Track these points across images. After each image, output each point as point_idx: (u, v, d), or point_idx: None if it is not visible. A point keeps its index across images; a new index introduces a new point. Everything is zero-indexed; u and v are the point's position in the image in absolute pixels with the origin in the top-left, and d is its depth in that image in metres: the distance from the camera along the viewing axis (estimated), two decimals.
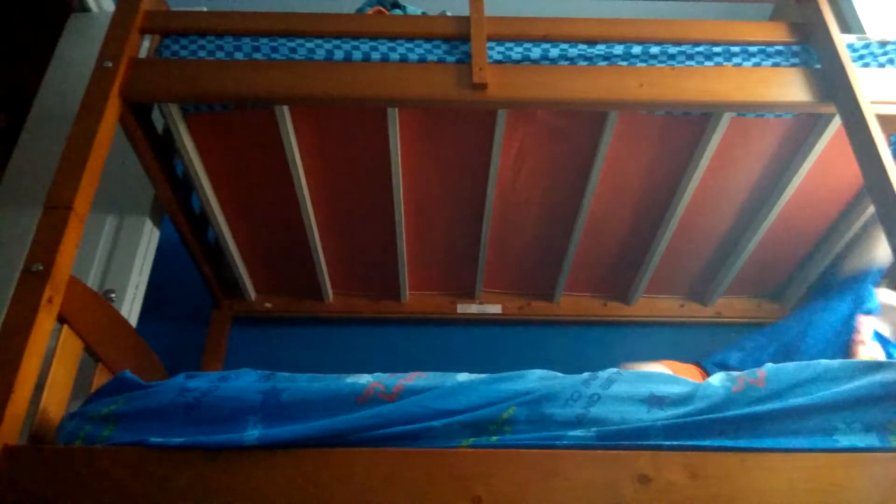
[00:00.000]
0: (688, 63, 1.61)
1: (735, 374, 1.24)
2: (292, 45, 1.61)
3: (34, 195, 1.62)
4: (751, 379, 1.20)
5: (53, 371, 1.30)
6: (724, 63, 1.62)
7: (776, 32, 1.66)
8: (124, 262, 1.86)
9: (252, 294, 2.30)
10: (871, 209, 1.88)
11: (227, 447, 1.12)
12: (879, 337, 1.79)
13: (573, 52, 1.61)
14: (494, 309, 2.32)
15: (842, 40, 1.57)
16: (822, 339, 1.81)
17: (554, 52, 1.61)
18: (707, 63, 1.62)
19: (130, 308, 1.83)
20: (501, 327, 2.34)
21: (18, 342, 1.17)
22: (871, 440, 1.10)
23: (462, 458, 1.10)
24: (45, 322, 1.23)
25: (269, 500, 1.08)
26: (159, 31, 1.64)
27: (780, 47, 1.64)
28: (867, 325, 1.77)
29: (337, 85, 1.55)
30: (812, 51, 1.63)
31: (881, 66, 1.62)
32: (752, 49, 1.63)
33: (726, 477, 1.06)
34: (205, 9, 1.78)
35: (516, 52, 1.60)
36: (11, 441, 1.12)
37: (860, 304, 1.81)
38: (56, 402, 1.30)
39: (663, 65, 1.61)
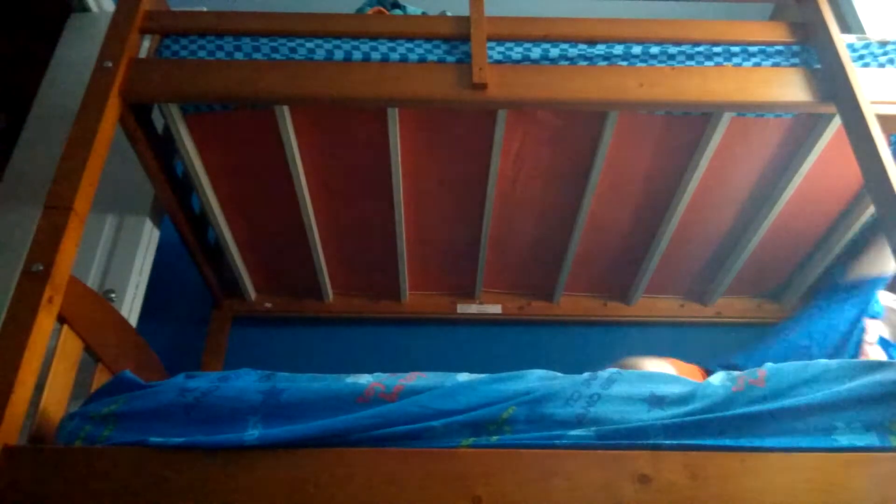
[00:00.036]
0: (688, 63, 1.61)
1: (735, 373, 1.24)
2: (292, 45, 1.61)
3: (34, 195, 1.63)
4: (751, 379, 1.20)
5: (53, 371, 1.30)
6: (724, 63, 1.62)
7: (776, 32, 1.66)
8: (124, 262, 1.86)
9: (252, 294, 2.30)
10: (871, 209, 1.88)
11: (227, 447, 1.12)
12: (883, 341, 1.79)
13: (573, 52, 1.61)
14: (494, 309, 2.32)
15: (842, 40, 1.57)
16: (827, 342, 1.81)
17: (554, 52, 1.61)
18: (707, 63, 1.62)
19: (130, 308, 1.84)
20: (501, 327, 2.34)
21: (18, 342, 1.17)
22: (871, 440, 1.10)
23: (462, 458, 1.10)
24: (45, 322, 1.23)
25: (269, 500, 1.08)
26: (159, 31, 1.64)
27: (780, 47, 1.64)
28: (874, 329, 1.78)
29: (337, 85, 1.55)
30: (812, 51, 1.63)
31: (881, 66, 1.62)
32: (752, 49, 1.63)
33: (726, 477, 1.06)
34: (205, 9, 1.78)
35: (516, 52, 1.60)
36: (11, 441, 1.12)
37: (866, 309, 1.82)
38: (56, 402, 1.30)
39: (663, 65, 1.61)
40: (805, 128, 1.71)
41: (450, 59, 1.60)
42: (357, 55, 1.59)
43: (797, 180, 1.81)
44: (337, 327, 2.33)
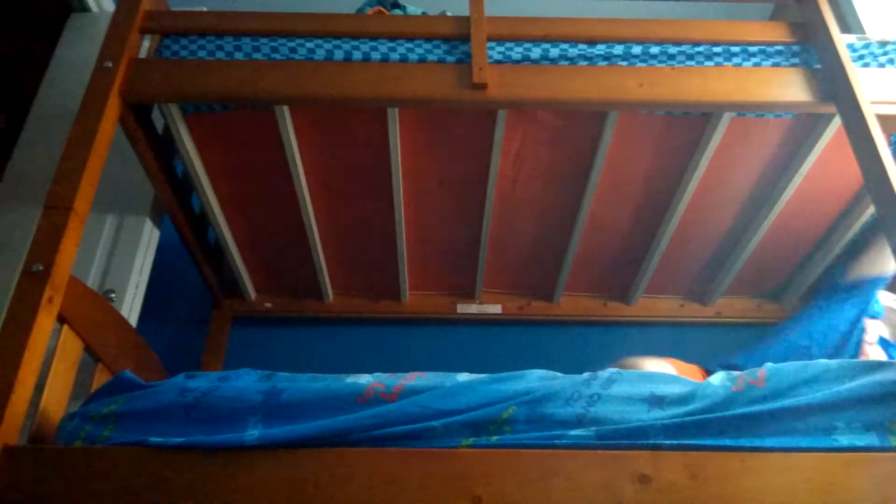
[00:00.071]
0: (688, 63, 1.61)
1: (735, 373, 1.24)
2: (292, 45, 1.61)
3: (34, 195, 1.63)
4: (751, 379, 1.20)
5: (53, 371, 1.30)
6: (724, 63, 1.62)
7: (776, 32, 1.66)
8: (124, 262, 1.86)
9: (252, 294, 2.30)
10: (871, 209, 1.88)
11: (227, 447, 1.12)
12: (883, 341, 1.80)
13: (573, 52, 1.61)
14: (494, 309, 2.32)
15: (842, 40, 1.57)
16: (827, 342, 1.81)
17: (554, 52, 1.61)
18: (707, 63, 1.62)
19: (130, 308, 1.84)
20: (501, 327, 2.34)
21: (18, 342, 1.17)
22: (871, 440, 1.10)
23: (462, 458, 1.10)
24: (45, 322, 1.23)
25: (269, 500, 1.08)
26: (159, 31, 1.64)
27: (780, 47, 1.64)
28: (874, 329, 1.79)
29: (337, 85, 1.55)
30: (812, 51, 1.63)
31: (881, 66, 1.62)
32: (752, 49, 1.63)
33: (726, 477, 1.06)
34: (205, 9, 1.78)
35: (516, 52, 1.60)
36: (11, 441, 1.12)
37: (866, 309, 1.82)
38: (56, 402, 1.30)
39: (663, 65, 1.61)
40: (805, 128, 1.71)
41: (450, 59, 1.60)
42: (357, 55, 1.59)
43: (797, 180, 1.81)
44: (337, 327, 2.33)
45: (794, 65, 1.61)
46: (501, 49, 1.60)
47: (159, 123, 1.72)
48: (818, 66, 1.60)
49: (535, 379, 1.23)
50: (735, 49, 1.63)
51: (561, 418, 1.16)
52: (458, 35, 1.62)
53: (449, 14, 1.85)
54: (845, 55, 1.54)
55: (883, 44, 1.65)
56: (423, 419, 1.15)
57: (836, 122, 1.61)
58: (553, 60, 1.60)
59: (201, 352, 2.21)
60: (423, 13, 1.96)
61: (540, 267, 2.22)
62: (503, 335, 2.33)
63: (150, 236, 1.95)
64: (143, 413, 1.20)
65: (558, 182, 1.89)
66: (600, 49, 1.62)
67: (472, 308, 2.32)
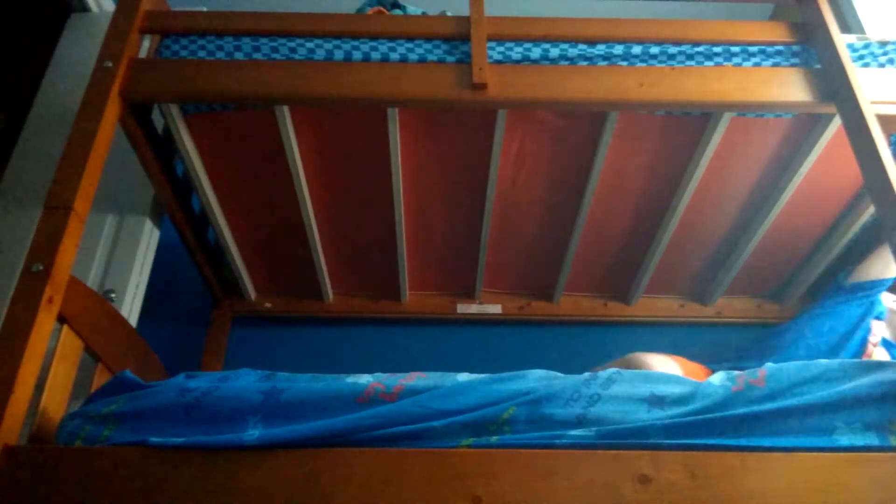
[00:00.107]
0: (688, 63, 1.61)
1: (735, 373, 1.24)
2: (292, 45, 1.61)
3: (34, 195, 1.63)
4: (751, 378, 1.20)
5: (53, 371, 1.30)
6: (724, 63, 1.62)
7: (776, 32, 1.66)
8: (124, 262, 1.86)
9: (252, 294, 2.30)
10: (871, 209, 1.88)
11: (227, 447, 1.12)
12: (885, 342, 1.80)
13: (573, 52, 1.61)
14: (494, 309, 2.32)
15: (842, 40, 1.57)
16: (826, 342, 1.81)
17: (554, 52, 1.61)
18: (707, 63, 1.62)
19: (130, 308, 1.84)
20: (501, 327, 2.34)
21: (18, 342, 1.17)
22: (871, 440, 1.10)
23: (462, 458, 1.10)
24: (45, 322, 1.23)
25: (269, 500, 1.08)
26: (159, 31, 1.64)
27: (780, 47, 1.64)
28: (878, 330, 1.79)
29: (337, 85, 1.55)
30: (812, 51, 1.63)
31: (881, 66, 1.62)
32: (752, 49, 1.63)
33: (726, 477, 1.06)
34: (205, 9, 1.78)
35: (516, 52, 1.60)
36: (11, 441, 1.12)
37: (871, 310, 1.82)
38: (56, 402, 1.30)
39: (663, 65, 1.61)
40: (805, 128, 1.71)
41: (450, 59, 1.60)
42: (357, 55, 1.59)
43: (797, 180, 1.81)
44: (337, 327, 2.33)
45: (794, 65, 1.61)
46: (501, 49, 1.60)
47: (159, 123, 1.72)
48: (818, 66, 1.60)
49: (536, 379, 1.23)
50: (735, 49, 1.63)
51: (561, 418, 1.16)
52: (458, 35, 1.62)
53: (449, 14, 1.85)
54: (845, 55, 1.54)
55: (883, 44, 1.65)
56: (423, 419, 1.15)
57: (836, 122, 1.61)
58: (553, 60, 1.60)
59: (201, 352, 2.21)
60: (423, 13, 1.96)
61: (540, 267, 2.22)
62: (503, 335, 2.33)
63: (150, 236, 1.95)
64: (143, 413, 1.20)
65: (558, 182, 1.89)
66: (600, 49, 1.62)
67: (472, 308, 2.32)
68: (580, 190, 1.89)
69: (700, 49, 1.63)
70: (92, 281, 1.81)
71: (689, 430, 1.13)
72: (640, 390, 1.20)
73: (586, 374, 1.24)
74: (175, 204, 1.86)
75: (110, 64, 1.51)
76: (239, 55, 1.60)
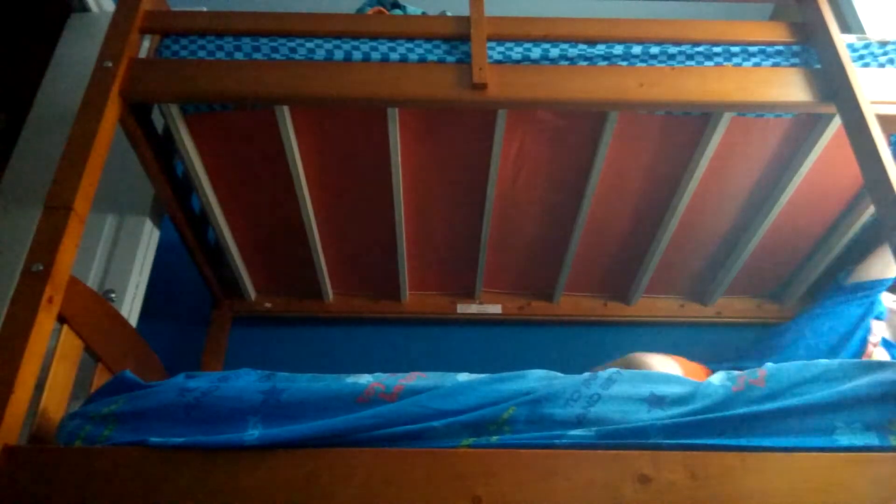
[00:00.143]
0: (688, 63, 1.61)
1: (735, 373, 1.24)
2: (292, 45, 1.61)
3: (34, 195, 1.63)
4: (751, 378, 1.20)
5: (53, 371, 1.30)
6: (724, 63, 1.62)
7: (776, 32, 1.66)
8: (124, 262, 1.86)
9: (252, 294, 2.30)
10: (872, 209, 1.88)
11: (227, 447, 1.12)
12: (885, 342, 1.80)
13: (573, 52, 1.61)
14: (494, 309, 2.32)
15: (842, 40, 1.57)
16: (826, 342, 1.82)
17: (554, 52, 1.61)
18: (707, 63, 1.62)
19: (130, 308, 1.84)
20: (501, 327, 2.34)
21: (18, 342, 1.17)
22: (871, 440, 1.10)
23: (462, 458, 1.10)
24: (45, 322, 1.23)
25: (269, 500, 1.08)
26: (159, 31, 1.64)
27: (780, 47, 1.64)
28: (878, 330, 1.79)
29: (337, 85, 1.55)
30: (812, 51, 1.63)
31: (881, 66, 1.62)
32: (752, 49, 1.63)
33: (726, 477, 1.06)
34: (205, 9, 1.78)
35: (516, 52, 1.60)
36: (11, 441, 1.12)
37: (871, 310, 1.82)
38: (56, 402, 1.30)
39: (663, 65, 1.61)
40: (805, 128, 1.71)
41: (450, 59, 1.60)
42: (357, 55, 1.59)
43: (797, 180, 1.81)
44: (337, 327, 2.33)
45: (794, 65, 1.61)
46: (501, 49, 1.60)
47: (159, 123, 1.72)
48: (818, 66, 1.60)
49: (536, 379, 1.23)
50: (735, 49, 1.63)
51: (561, 418, 1.16)
52: (458, 35, 1.62)
53: (449, 14, 1.85)
54: (845, 55, 1.54)
55: (883, 44, 1.65)
56: (423, 419, 1.15)
57: (836, 122, 1.61)
58: (553, 60, 1.60)
59: (201, 352, 2.21)
60: (423, 13, 1.96)
61: (540, 267, 2.22)
62: (503, 335, 2.33)
63: (150, 236, 1.95)
64: (143, 413, 1.20)
65: (558, 182, 1.89)
66: (600, 49, 1.62)
67: (472, 308, 2.32)
68: (580, 190, 1.89)
69: (700, 49, 1.63)
70: (92, 281, 1.81)
71: (689, 430, 1.13)
72: (640, 390, 1.20)
73: (586, 374, 1.24)
74: (175, 204, 1.85)
75: (110, 64, 1.51)
76: (239, 55, 1.60)
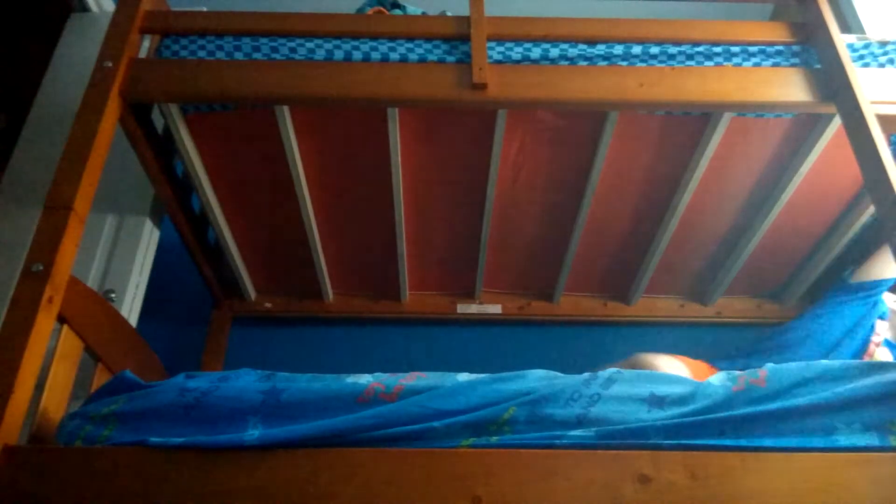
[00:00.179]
0: (688, 63, 1.61)
1: (736, 373, 1.24)
2: (292, 45, 1.61)
3: (34, 195, 1.63)
4: (752, 378, 1.20)
5: (53, 371, 1.30)
6: (724, 63, 1.62)
7: (776, 32, 1.66)
8: (124, 262, 1.86)
9: (252, 294, 2.30)
10: (872, 209, 1.88)
11: (227, 447, 1.12)
12: (888, 343, 1.81)
13: (573, 52, 1.61)
14: (494, 309, 2.32)
15: (842, 40, 1.57)
16: (825, 341, 1.82)
17: (554, 52, 1.61)
18: (707, 63, 1.62)
19: (130, 308, 1.84)
20: (501, 327, 2.34)
21: (18, 342, 1.17)
22: (871, 440, 1.10)
23: (462, 458, 1.10)
24: (45, 322, 1.23)
25: (269, 500, 1.08)
26: (159, 31, 1.64)
27: (780, 47, 1.64)
28: (881, 330, 1.80)
29: (337, 85, 1.55)
30: (812, 51, 1.63)
31: (881, 66, 1.62)
32: (752, 49, 1.63)
33: (726, 477, 1.06)
34: (205, 9, 1.78)
35: (516, 52, 1.60)
36: (11, 441, 1.12)
37: (873, 310, 1.82)
38: (56, 402, 1.30)
39: (663, 65, 1.61)
40: (805, 128, 1.71)
41: (450, 59, 1.60)
42: (357, 55, 1.59)
43: (797, 180, 1.81)
44: (337, 327, 2.33)
45: (794, 65, 1.61)
46: (501, 49, 1.60)
47: (159, 123, 1.72)
48: (818, 66, 1.60)
49: (536, 379, 1.23)
50: (735, 49, 1.63)
51: (561, 418, 1.16)
52: (458, 35, 1.62)
53: (449, 14, 1.85)
54: (845, 55, 1.54)
55: (883, 44, 1.65)
56: (423, 419, 1.15)
57: (836, 122, 1.61)
58: (553, 60, 1.60)
59: (201, 352, 2.21)
60: (423, 13, 1.96)
61: (540, 267, 2.22)
62: (503, 335, 2.33)
63: (150, 236, 1.95)
64: (143, 413, 1.20)
65: (558, 182, 1.89)
66: (600, 49, 1.62)
67: (472, 308, 2.32)
68: (580, 190, 1.89)
69: (700, 49, 1.63)
70: (92, 281, 1.81)
71: (689, 430, 1.13)
72: (640, 390, 1.20)
73: (586, 374, 1.24)
74: (175, 204, 1.85)
75: (110, 64, 1.51)
76: (239, 55, 1.60)
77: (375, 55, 1.59)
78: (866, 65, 1.62)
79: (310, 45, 1.61)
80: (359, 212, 1.99)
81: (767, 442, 1.11)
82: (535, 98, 1.57)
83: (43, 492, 1.08)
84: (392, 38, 1.62)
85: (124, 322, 1.70)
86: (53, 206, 1.33)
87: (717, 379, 1.23)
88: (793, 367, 1.21)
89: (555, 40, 1.62)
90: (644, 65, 1.61)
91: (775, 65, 1.62)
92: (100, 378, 1.49)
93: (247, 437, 1.13)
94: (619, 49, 1.62)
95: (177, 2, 1.74)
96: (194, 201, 1.96)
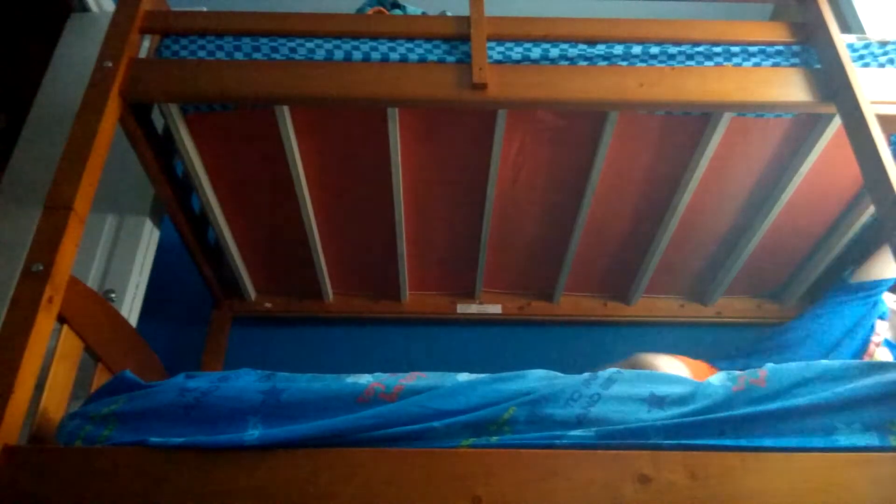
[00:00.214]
0: (688, 63, 1.61)
1: (736, 373, 1.24)
2: (292, 45, 1.61)
3: (34, 195, 1.63)
4: (752, 378, 1.20)
5: (53, 371, 1.30)
6: (724, 63, 1.62)
7: (776, 32, 1.66)
8: (124, 262, 1.86)
9: (252, 294, 2.30)
10: (872, 209, 1.88)
11: (227, 447, 1.12)
12: (888, 343, 1.81)
13: (573, 52, 1.61)
14: (494, 309, 2.32)
15: (842, 40, 1.57)
16: (825, 340, 1.82)
17: (554, 52, 1.61)
18: (707, 63, 1.62)
19: (130, 308, 1.84)
20: (501, 327, 2.34)
21: (18, 342, 1.17)
22: (871, 440, 1.10)
23: (462, 458, 1.10)
24: (45, 322, 1.23)
25: (269, 500, 1.08)
26: (159, 31, 1.64)
27: (780, 47, 1.64)
28: (881, 330, 1.80)
29: (337, 85, 1.55)
30: (812, 51, 1.63)
31: (881, 66, 1.62)
32: (752, 49, 1.63)
33: (726, 477, 1.06)
34: (205, 9, 1.78)
35: (516, 52, 1.60)
36: (11, 441, 1.12)
37: (873, 310, 1.83)
38: (56, 402, 1.30)
39: (663, 65, 1.61)
40: (805, 128, 1.71)
41: (450, 59, 1.60)
42: (357, 55, 1.59)
43: (797, 180, 1.81)
44: (337, 327, 2.33)
45: (794, 65, 1.61)
46: (501, 49, 1.60)
47: (159, 123, 1.72)
48: (818, 66, 1.60)
49: (536, 379, 1.23)
50: (735, 49, 1.63)
51: (561, 418, 1.16)
52: (458, 35, 1.62)
53: (449, 14, 1.85)
54: (845, 55, 1.54)
55: (883, 44, 1.65)
56: (423, 419, 1.15)
57: (836, 122, 1.61)
58: (553, 60, 1.60)
59: (201, 352, 2.21)
60: (423, 13, 1.96)
61: (540, 267, 2.22)
62: (503, 335, 2.33)
63: (150, 236, 1.95)
64: (143, 413, 1.20)
65: (558, 182, 1.89)
66: (600, 49, 1.62)
67: (472, 308, 2.32)
68: (580, 190, 1.89)
69: (700, 49, 1.63)
70: (92, 281, 1.81)
71: (689, 430, 1.13)
72: (640, 390, 1.20)
73: (586, 374, 1.24)
74: (175, 204, 1.85)
75: (110, 64, 1.51)
76: (239, 55, 1.60)
77: (375, 55, 1.59)
78: (866, 65, 1.62)
79: (310, 45, 1.61)
80: (359, 212, 1.99)
81: (767, 442, 1.11)
82: (535, 98, 1.57)
83: (43, 492, 1.08)
84: (392, 38, 1.62)
85: (124, 322, 1.70)
86: (53, 206, 1.33)
87: (717, 379, 1.23)
88: (793, 368, 1.21)
89: (555, 40, 1.62)
90: (644, 65, 1.61)
91: (775, 65, 1.62)
92: (100, 378, 1.49)
93: (247, 437, 1.13)
94: (619, 49, 1.62)
95: (177, 2, 1.74)
96: (194, 201, 1.96)
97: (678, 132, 1.73)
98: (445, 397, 1.19)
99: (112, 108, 1.47)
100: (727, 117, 1.64)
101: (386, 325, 2.33)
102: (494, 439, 1.14)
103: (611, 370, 1.25)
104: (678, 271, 2.23)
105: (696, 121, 1.70)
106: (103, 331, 1.53)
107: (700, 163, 1.75)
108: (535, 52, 1.60)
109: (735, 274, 2.17)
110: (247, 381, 1.25)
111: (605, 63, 1.61)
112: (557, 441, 1.13)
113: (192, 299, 2.31)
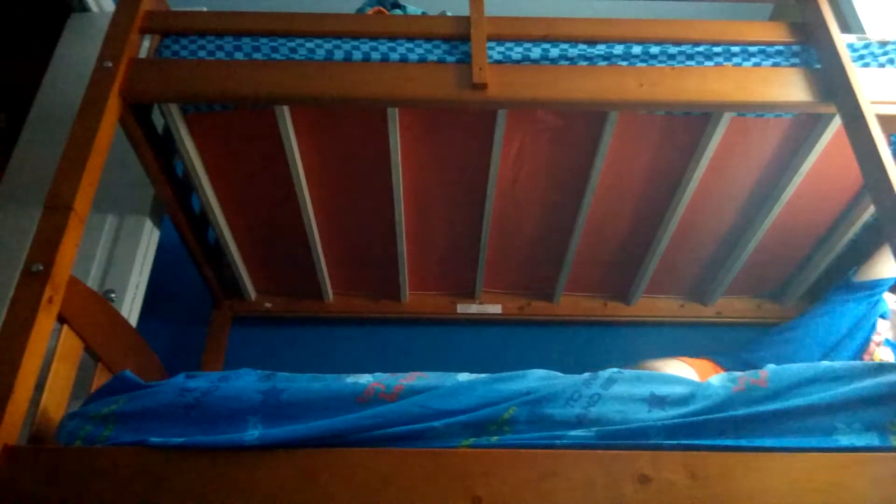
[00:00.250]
0: (688, 63, 1.61)
1: (736, 374, 1.24)
2: (292, 45, 1.61)
3: (34, 195, 1.63)
4: (752, 379, 1.20)
5: (53, 371, 1.30)
6: (724, 63, 1.62)
7: (776, 32, 1.66)
8: (124, 262, 1.86)
9: (252, 294, 2.30)
10: (872, 209, 1.88)
11: (227, 447, 1.12)
12: (889, 342, 1.81)
13: (573, 52, 1.61)
14: (494, 309, 2.32)
15: (842, 40, 1.57)
16: (826, 340, 1.82)
17: (554, 52, 1.61)
18: (707, 63, 1.62)
19: (130, 308, 1.84)
20: (501, 327, 2.34)
21: (18, 342, 1.17)
22: (871, 440, 1.11)
23: (462, 458, 1.10)
24: (45, 322, 1.23)
25: (269, 500, 1.08)
26: (159, 31, 1.64)
27: (780, 47, 1.64)
28: (883, 329, 1.80)
29: (337, 85, 1.55)
30: (812, 51, 1.63)
31: (881, 66, 1.62)
32: (752, 49, 1.63)
33: (726, 477, 1.06)
34: (205, 9, 1.78)
35: (516, 52, 1.60)
36: (11, 441, 1.12)
37: (875, 310, 1.83)
38: (56, 402, 1.30)
39: (663, 65, 1.61)
40: (805, 128, 1.71)
41: (450, 59, 1.60)
42: (357, 55, 1.59)
43: (797, 180, 1.81)
44: (337, 327, 2.33)
45: (794, 65, 1.61)
46: (501, 49, 1.60)
47: (159, 123, 1.72)
48: (818, 66, 1.60)
49: (536, 379, 1.23)
50: (735, 49, 1.63)
51: (561, 419, 1.16)
52: (458, 35, 1.62)
53: (449, 14, 1.85)
54: (845, 55, 1.54)
55: (883, 44, 1.65)
56: (423, 419, 1.15)
57: (836, 122, 1.61)
58: (553, 60, 1.60)
59: (201, 352, 2.21)
60: (423, 13, 1.96)
61: (540, 267, 2.22)
62: (503, 335, 2.33)
63: (150, 236, 1.95)
64: (143, 413, 1.20)
65: (558, 182, 1.89)
66: (600, 49, 1.62)
67: (472, 308, 2.32)
68: (580, 190, 1.89)
69: (700, 49, 1.63)
70: (92, 281, 1.81)
71: (689, 430, 1.13)
72: (640, 390, 1.20)
73: (586, 375, 1.24)
74: (175, 204, 1.85)
75: (110, 64, 1.51)
76: (239, 55, 1.60)
77: (375, 55, 1.59)
78: (866, 65, 1.62)
79: (310, 45, 1.61)
80: (359, 211, 1.99)
81: (767, 442, 1.11)
82: (535, 98, 1.57)
83: (43, 492, 1.08)
84: (392, 38, 1.62)
85: (124, 322, 1.70)
86: (53, 206, 1.33)
87: (717, 379, 1.24)
88: (794, 368, 1.21)
89: (555, 40, 1.62)
90: (644, 65, 1.61)
91: (775, 65, 1.62)
92: (100, 378, 1.49)
93: (247, 437, 1.13)
94: (619, 49, 1.62)
95: (177, 2, 1.74)
96: (194, 201, 1.96)
97: (678, 132, 1.73)
98: (445, 397, 1.19)
99: (112, 108, 1.47)
100: (727, 117, 1.64)
101: (386, 325, 2.33)
102: (494, 439, 1.14)
103: (611, 370, 1.25)
104: (678, 271, 2.23)
105: (696, 121, 1.70)
106: (103, 331, 1.53)
107: (700, 163, 1.75)
108: (535, 52, 1.60)
109: (735, 274, 2.17)
110: (247, 381, 1.25)
111: (605, 63, 1.61)
112: (557, 441, 1.13)
113: (192, 299, 2.32)
